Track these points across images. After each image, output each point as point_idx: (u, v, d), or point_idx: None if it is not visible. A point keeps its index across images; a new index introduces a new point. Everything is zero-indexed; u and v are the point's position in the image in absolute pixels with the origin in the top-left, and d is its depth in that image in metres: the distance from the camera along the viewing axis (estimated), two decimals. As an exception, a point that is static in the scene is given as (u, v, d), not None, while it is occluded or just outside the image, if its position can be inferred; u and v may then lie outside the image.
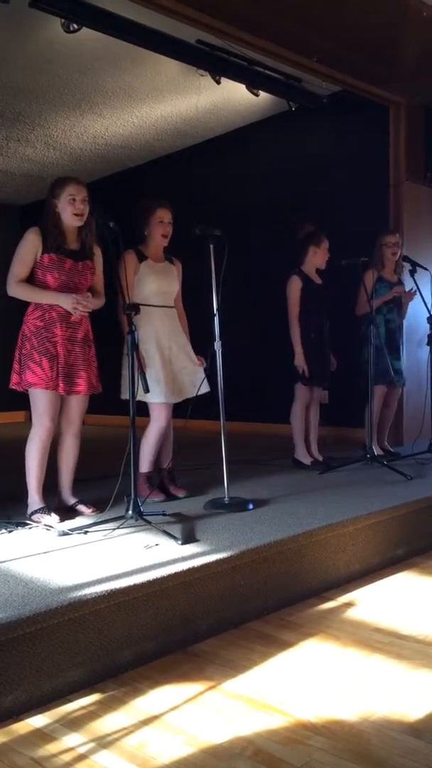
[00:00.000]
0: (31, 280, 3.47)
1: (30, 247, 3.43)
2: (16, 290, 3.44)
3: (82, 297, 3.44)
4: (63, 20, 4.76)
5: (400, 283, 5.36)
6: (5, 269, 3.48)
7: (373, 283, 5.13)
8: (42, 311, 3.44)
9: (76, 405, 3.59)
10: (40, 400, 3.44)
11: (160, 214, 3.94)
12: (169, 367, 3.89)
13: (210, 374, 3.77)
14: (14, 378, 3.48)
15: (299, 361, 4.84)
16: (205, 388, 3.98)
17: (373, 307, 4.92)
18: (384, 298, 5.16)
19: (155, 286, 3.92)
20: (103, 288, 3.67)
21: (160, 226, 3.95)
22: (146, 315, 3.80)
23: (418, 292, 5.22)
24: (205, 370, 3.87)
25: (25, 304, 3.50)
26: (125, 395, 3.81)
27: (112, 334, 3.89)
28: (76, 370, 3.49)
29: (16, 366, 3.48)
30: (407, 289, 5.28)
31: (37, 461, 3.46)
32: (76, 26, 4.79)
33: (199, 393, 3.96)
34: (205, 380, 4.01)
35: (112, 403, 3.95)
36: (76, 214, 3.45)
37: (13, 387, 3.50)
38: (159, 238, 3.96)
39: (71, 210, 3.44)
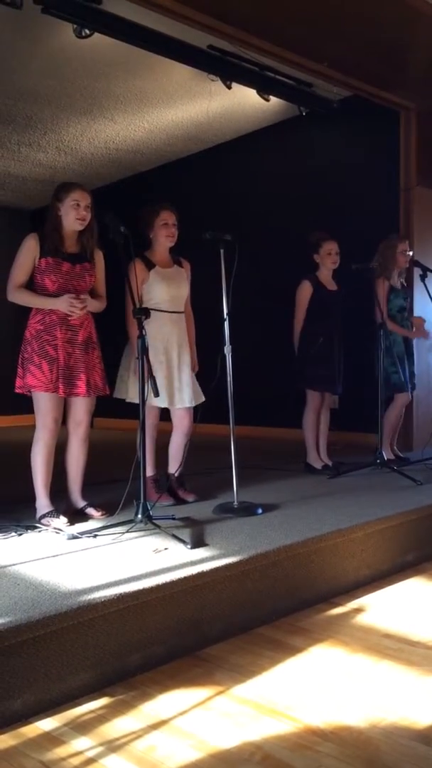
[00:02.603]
0: (32, 284, 3.51)
1: (28, 252, 3.48)
2: (15, 296, 3.50)
3: (77, 299, 3.45)
4: (75, 26, 4.78)
5: (404, 288, 5.36)
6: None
7: (386, 292, 5.12)
8: (42, 315, 3.47)
9: (81, 407, 3.60)
10: (42, 403, 3.47)
11: (163, 216, 3.95)
12: (168, 375, 3.90)
13: (220, 379, 3.77)
14: (18, 382, 3.51)
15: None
16: (200, 398, 4.00)
17: (385, 314, 4.92)
18: (401, 332, 5.17)
19: (165, 293, 3.93)
20: (104, 291, 3.69)
21: (165, 229, 3.95)
22: (156, 320, 3.81)
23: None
24: (213, 374, 3.87)
25: (28, 309, 3.53)
26: (119, 394, 3.89)
27: (118, 336, 3.90)
28: (76, 372, 3.51)
29: (19, 370, 3.51)
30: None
31: (42, 463, 3.48)
32: (87, 32, 4.81)
33: (195, 404, 3.98)
34: (199, 390, 4.02)
35: (120, 406, 3.96)
36: (78, 219, 3.48)
37: (18, 391, 3.54)
38: (164, 241, 3.97)
39: (74, 215, 3.47)
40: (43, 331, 3.46)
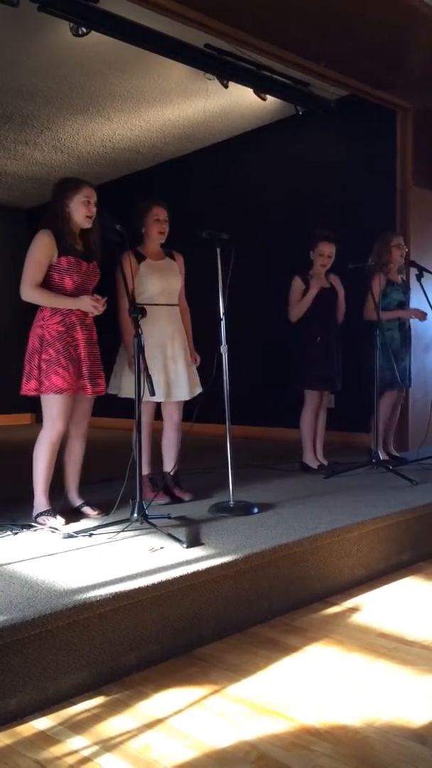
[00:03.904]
0: (46, 282, 3.42)
1: (45, 250, 3.37)
2: (33, 295, 3.37)
3: (97, 298, 3.44)
4: (71, 24, 4.77)
5: (404, 284, 5.37)
6: (12, 271, 3.47)
7: (382, 287, 5.11)
8: (62, 316, 3.41)
9: (85, 406, 3.60)
10: (58, 404, 3.40)
11: (155, 212, 3.96)
12: (164, 367, 3.89)
13: (216, 378, 3.78)
14: (32, 384, 3.39)
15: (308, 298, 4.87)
16: (198, 390, 4.00)
17: (380, 314, 4.91)
18: (392, 314, 5.14)
19: (158, 285, 3.93)
20: None
21: (157, 224, 3.96)
22: (150, 314, 3.81)
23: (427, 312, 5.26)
24: (209, 373, 3.87)
25: (33, 310, 3.48)
26: (112, 390, 3.87)
27: (110, 334, 3.90)
28: (97, 370, 3.53)
29: (34, 372, 3.39)
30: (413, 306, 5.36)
31: (45, 463, 3.46)
32: (84, 30, 4.80)
33: (193, 396, 3.98)
34: (198, 383, 4.02)
35: (115, 404, 3.96)
36: (89, 217, 3.45)
37: (30, 393, 3.43)
38: (156, 236, 3.98)
39: (85, 212, 3.43)
40: (65, 333, 3.40)
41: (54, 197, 3.47)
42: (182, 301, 4.12)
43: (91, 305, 3.40)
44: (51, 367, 3.37)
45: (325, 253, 4.93)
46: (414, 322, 5.48)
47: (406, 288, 5.35)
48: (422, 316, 5.21)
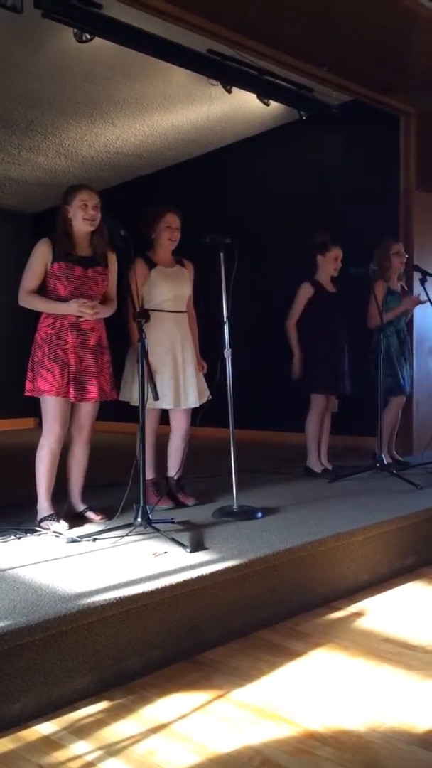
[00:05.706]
0: (44, 288, 3.49)
1: (40, 257, 3.46)
2: (26, 301, 3.49)
3: (88, 301, 3.44)
4: (75, 30, 4.79)
5: (404, 290, 5.36)
6: (17, 276, 3.51)
7: (384, 294, 5.11)
8: (53, 319, 3.46)
9: (87, 412, 3.59)
10: (51, 407, 3.45)
11: (168, 219, 3.96)
12: (174, 375, 3.90)
13: (219, 382, 3.78)
14: (28, 385, 3.50)
15: (296, 365, 4.89)
16: (206, 397, 4.00)
17: (384, 320, 4.90)
18: (397, 312, 5.12)
19: (168, 291, 3.93)
20: (115, 295, 3.68)
21: (168, 231, 3.96)
22: (158, 320, 3.81)
23: (428, 300, 5.23)
24: (214, 377, 3.87)
25: (38, 313, 3.52)
26: (125, 397, 3.87)
27: (120, 340, 3.90)
28: (88, 377, 3.49)
29: (29, 373, 3.51)
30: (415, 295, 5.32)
31: (47, 468, 3.47)
32: (88, 36, 4.82)
33: (200, 403, 3.98)
34: (206, 388, 4.03)
35: (120, 409, 3.97)
36: (87, 219, 3.46)
37: (28, 394, 3.53)
38: (166, 243, 3.98)
39: (82, 215, 3.46)
40: (54, 335, 3.44)
41: (60, 203, 3.53)
42: (189, 308, 4.12)
43: (77, 310, 3.42)
44: (37, 369, 3.45)
45: (339, 256, 4.94)
46: (415, 326, 5.48)
47: (405, 296, 5.33)
48: (418, 301, 5.19)
